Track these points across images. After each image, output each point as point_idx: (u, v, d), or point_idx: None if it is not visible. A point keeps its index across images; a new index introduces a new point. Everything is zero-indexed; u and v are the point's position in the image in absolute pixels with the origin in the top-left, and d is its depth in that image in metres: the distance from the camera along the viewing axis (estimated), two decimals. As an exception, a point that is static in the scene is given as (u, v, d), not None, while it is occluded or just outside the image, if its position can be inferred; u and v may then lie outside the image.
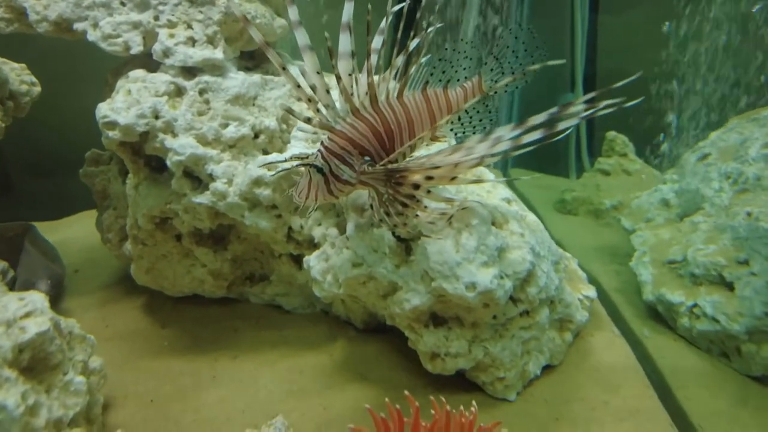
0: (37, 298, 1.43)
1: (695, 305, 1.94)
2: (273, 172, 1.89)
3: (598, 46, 4.47)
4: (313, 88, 1.45)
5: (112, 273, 2.50)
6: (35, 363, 1.36)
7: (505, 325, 1.63)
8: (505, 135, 1.35)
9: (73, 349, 1.50)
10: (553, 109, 1.31)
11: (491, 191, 1.99)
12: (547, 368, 1.79)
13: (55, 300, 2.28)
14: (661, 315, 2.13)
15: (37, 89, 2.37)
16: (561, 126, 1.31)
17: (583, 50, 4.36)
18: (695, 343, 1.99)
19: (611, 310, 2.14)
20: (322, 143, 1.52)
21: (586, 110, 1.31)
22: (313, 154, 1.53)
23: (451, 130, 1.71)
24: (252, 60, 2.35)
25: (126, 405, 1.70)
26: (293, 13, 1.41)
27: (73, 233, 2.97)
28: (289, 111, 1.46)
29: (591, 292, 1.94)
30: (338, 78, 1.43)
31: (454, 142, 1.96)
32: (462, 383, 1.71)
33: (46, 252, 2.42)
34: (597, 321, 2.01)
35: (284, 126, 2.19)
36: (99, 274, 2.50)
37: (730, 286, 1.91)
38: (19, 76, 2.34)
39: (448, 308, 1.61)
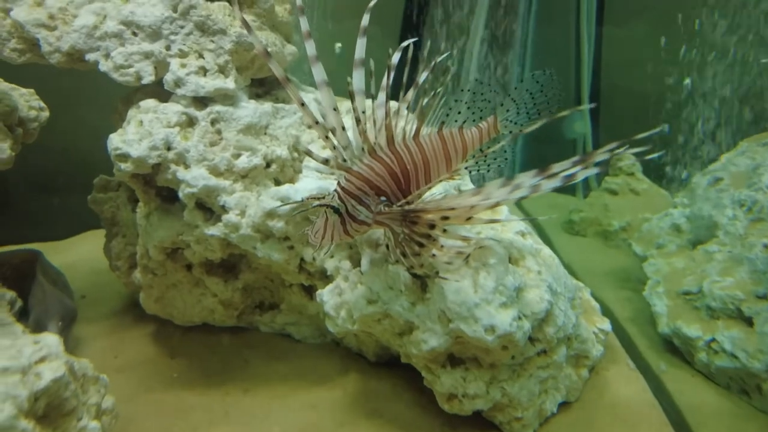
0: (52, 341, 1.41)
1: (713, 340, 1.92)
2: (288, 209, 1.88)
3: (602, 59, 4.46)
4: (332, 130, 1.44)
5: (120, 299, 2.48)
6: (50, 410, 1.34)
7: (523, 364, 1.62)
8: (525, 182, 1.34)
9: (86, 392, 1.48)
10: (576, 157, 1.31)
11: (505, 224, 1.97)
12: (564, 405, 1.77)
13: (68, 331, 2.27)
14: (677, 348, 2.10)
15: (46, 114, 2.35)
16: (581, 175, 1.31)
17: (590, 65, 4.34)
18: (714, 379, 1.96)
19: (625, 341, 2.12)
20: (338, 183, 1.52)
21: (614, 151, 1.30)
22: (329, 194, 1.52)
23: (466, 168, 1.70)
24: (262, 87, 2.34)
25: (138, 444, 1.68)
26: (311, 48, 1.40)
27: (78, 255, 2.95)
28: (308, 153, 1.45)
29: (606, 325, 1.93)
30: (357, 121, 1.43)
31: (468, 179, 1.96)
32: (478, 422, 1.69)
33: (56, 281, 2.40)
34: (612, 354, 1.99)
35: (296, 154, 2.18)
36: (107, 300, 2.48)
37: (749, 321, 1.88)
38: (28, 101, 2.32)
39: (465, 349, 1.59)
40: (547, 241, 3.12)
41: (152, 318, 2.24)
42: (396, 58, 1.56)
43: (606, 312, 2.06)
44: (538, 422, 1.68)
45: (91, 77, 2.08)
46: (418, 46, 1.60)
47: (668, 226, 2.56)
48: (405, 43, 1.58)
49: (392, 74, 1.58)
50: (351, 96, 1.43)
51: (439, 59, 1.60)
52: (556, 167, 1.31)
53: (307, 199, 1.56)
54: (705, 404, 1.86)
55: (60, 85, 2.83)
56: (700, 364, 1.98)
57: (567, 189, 4.30)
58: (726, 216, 2.28)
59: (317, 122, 1.43)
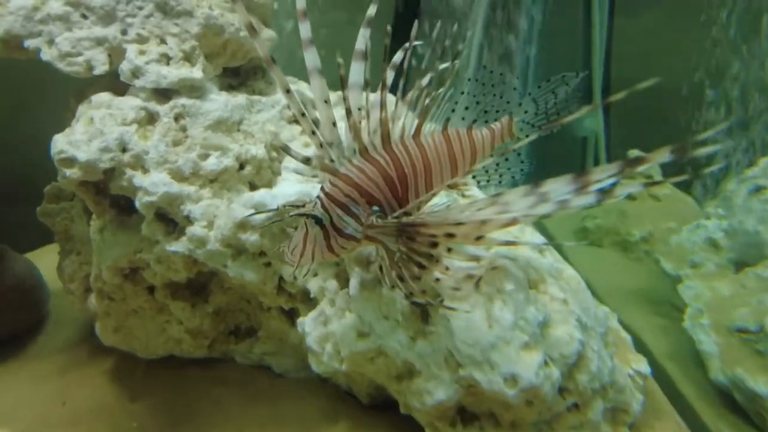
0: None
1: None
2: (262, 219, 1.57)
3: (612, 51, 4.20)
4: (315, 122, 1.15)
5: (77, 327, 2.15)
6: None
7: (551, 423, 1.29)
8: (556, 192, 1.04)
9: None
10: (622, 162, 1.01)
11: (518, 236, 1.67)
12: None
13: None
14: (737, 403, 1.70)
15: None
16: (624, 190, 1.03)
17: (602, 58, 4.07)
18: None
19: (668, 387, 1.72)
20: (322, 188, 1.23)
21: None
22: (311, 201, 1.23)
23: (474, 177, 1.41)
24: (236, 77, 2.05)
25: None
26: (305, 30, 1.13)
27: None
28: (285, 149, 1.15)
29: (643, 366, 1.58)
30: (348, 112, 1.14)
31: (475, 191, 1.65)
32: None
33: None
34: (653, 404, 1.61)
35: (274, 154, 1.87)
36: (62, 329, 2.16)
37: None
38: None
39: (480, 402, 1.28)
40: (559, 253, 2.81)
41: (112, 350, 1.92)
42: (399, 57, 1.34)
43: (639, 345, 1.72)
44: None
45: (59, 76, 1.80)
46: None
47: (703, 241, 2.24)
48: (410, 44, 1.33)
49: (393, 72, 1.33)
50: (342, 80, 1.13)
51: (447, 65, 1.33)
52: (597, 172, 1.01)
53: (284, 207, 1.27)
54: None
55: (24, 85, 2.54)
56: (777, 434, 1.60)
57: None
58: (778, 233, 1.97)
59: (303, 114, 1.15)
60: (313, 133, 1.18)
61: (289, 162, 1.83)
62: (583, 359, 1.29)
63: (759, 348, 1.67)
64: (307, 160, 1.19)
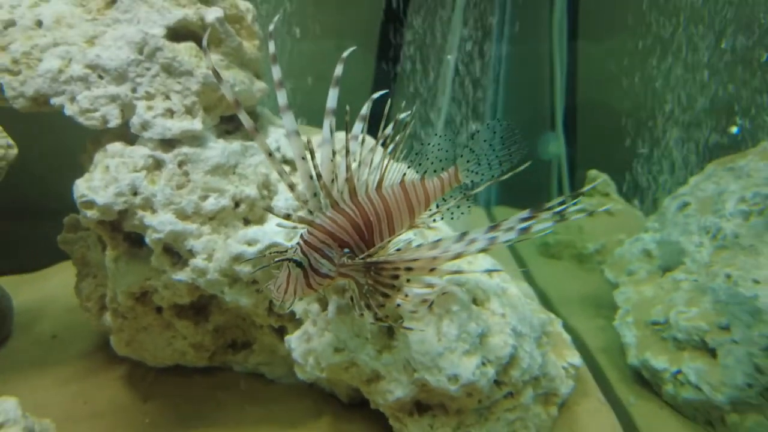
0: (9, 406, 1.40)
1: (679, 372, 1.93)
2: (254, 254, 1.87)
3: (578, 75, 4.45)
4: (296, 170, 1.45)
5: (92, 338, 2.45)
6: (8, 478, 1.33)
7: (490, 408, 1.63)
8: (478, 237, 1.36)
9: (48, 454, 1.47)
10: (524, 213, 1.34)
11: (473, 261, 1.99)
12: (533, 445, 1.78)
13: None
14: (646, 380, 2.11)
15: (14, 152, 2.31)
16: (537, 227, 1.34)
17: (563, 84, 4.35)
18: (681, 411, 1.97)
19: (597, 373, 2.12)
20: (301, 236, 1.52)
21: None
22: (292, 247, 1.53)
23: (429, 216, 1.72)
24: (232, 123, 2.33)
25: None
26: (282, 97, 1.38)
27: (50, 289, 2.90)
28: (269, 210, 1.45)
29: (576, 359, 1.94)
30: (319, 176, 1.42)
31: (440, 224, 1.97)
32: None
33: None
34: (583, 387, 1.99)
35: (265, 192, 2.17)
36: (78, 340, 2.44)
37: (713, 353, 1.90)
38: (-5, 141, 2.29)
39: (431, 397, 1.60)
40: (524, 265, 3.14)
41: (124, 359, 2.22)
42: (365, 110, 1.59)
43: (578, 343, 2.07)
44: (508, 465, 1.69)
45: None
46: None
47: (639, 252, 2.58)
48: (375, 95, 1.60)
49: (363, 125, 1.60)
50: (311, 153, 1.43)
51: (403, 115, 1.61)
52: (505, 224, 1.34)
53: (270, 253, 1.56)
54: (671, 436, 1.87)
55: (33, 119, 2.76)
56: (668, 396, 1.99)
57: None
58: (693, 243, 2.31)
59: (282, 174, 1.43)
60: (292, 189, 1.46)
61: (277, 200, 2.12)
62: (516, 359, 1.62)
63: (664, 335, 2.05)
64: (287, 216, 1.47)
